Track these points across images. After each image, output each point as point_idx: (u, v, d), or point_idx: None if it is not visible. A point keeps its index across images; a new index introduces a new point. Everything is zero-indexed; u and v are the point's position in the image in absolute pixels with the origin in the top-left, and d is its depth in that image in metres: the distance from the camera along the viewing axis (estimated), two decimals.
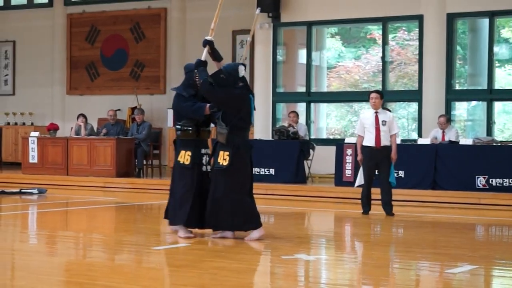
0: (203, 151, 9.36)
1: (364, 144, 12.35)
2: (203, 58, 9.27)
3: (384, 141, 12.25)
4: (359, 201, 14.57)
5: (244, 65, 9.29)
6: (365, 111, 13.10)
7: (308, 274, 7.62)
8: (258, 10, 11.56)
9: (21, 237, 10.00)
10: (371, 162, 12.29)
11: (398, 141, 15.11)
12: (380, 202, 12.46)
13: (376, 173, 12.51)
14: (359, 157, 12.47)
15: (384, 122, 12.25)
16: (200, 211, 9.26)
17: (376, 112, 12.36)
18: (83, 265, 7.83)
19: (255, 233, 9.17)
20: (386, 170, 12.32)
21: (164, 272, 7.47)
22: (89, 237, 9.93)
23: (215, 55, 9.33)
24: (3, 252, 8.42)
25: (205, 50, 9.27)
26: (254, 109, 9.31)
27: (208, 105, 9.17)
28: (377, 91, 12.60)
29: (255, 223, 9.20)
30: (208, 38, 9.36)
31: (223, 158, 9.01)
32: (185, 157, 9.26)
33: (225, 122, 9.01)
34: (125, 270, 7.41)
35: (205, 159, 9.36)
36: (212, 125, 9.53)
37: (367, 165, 12.35)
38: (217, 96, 9.07)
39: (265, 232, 9.31)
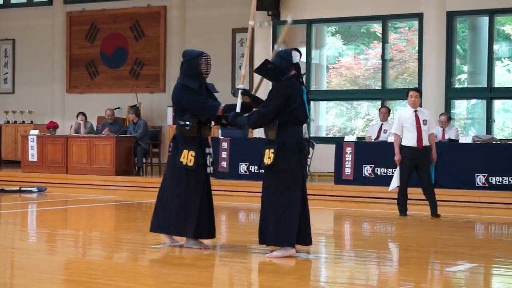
0: (206, 150, 8.39)
1: (403, 144, 12.04)
2: (238, 110, 8.17)
3: (425, 141, 11.99)
4: (359, 199, 14.55)
5: (299, 50, 8.17)
6: (403, 110, 12.73)
7: (308, 272, 7.61)
8: (290, 18, 9.05)
9: (21, 236, 10.00)
10: (411, 163, 11.98)
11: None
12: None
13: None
14: (397, 157, 12.09)
15: (425, 122, 11.96)
16: (209, 220, 8.38)
17: (415, 111, 12.08)
18: (83, 263, 7.83)
19: (279, 252, 7.94)
20: (427, 171, 12.06)
21: (164, 271, 7.46)
22: (89, 236, 9.94)
23: (254, 99, 8.35)
24: (3, 251, 8.41)
25: (239, 99, 8.21)
26: (308, 102, 8.18)
27: (223, 105, 8.27)
28: (416, 89, 12.26)
29: (288, 240, 7.92)
30: (241, 86, 8.32)
31: (268, 157, 7.96)
32: (188, 157, 8.24)
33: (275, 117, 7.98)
34: (125, 269, 7.42)
35: (208, 159, 8.39)
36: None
37: (407, 166, 12.00)
38: (267, 117, 7.98)
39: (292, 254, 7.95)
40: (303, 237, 8.00)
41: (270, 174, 7.99)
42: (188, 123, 8.28)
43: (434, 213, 12.05)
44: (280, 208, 7.86)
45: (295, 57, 8.08)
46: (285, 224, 7.83)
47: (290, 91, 7.98)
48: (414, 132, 11.95)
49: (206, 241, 8.51)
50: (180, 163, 8.28)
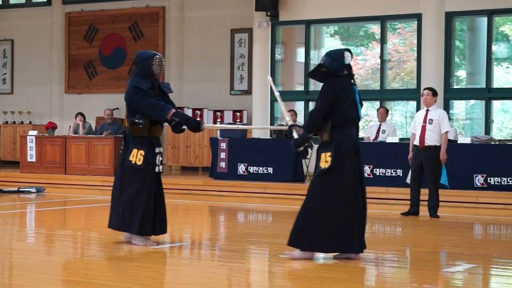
0: (157, 150, 8.58)
1: (414, 143, 12.08)
2: (296, 136, 8.22)
3: (429, 141, 11.89)
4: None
5: (350, 51, 8.01)
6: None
7: (306, 273, 7.61)
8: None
9: (19, 236, 9.99)
10: (416, 162, 12.00)
11: (395, 140, 15.14)
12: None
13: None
14: (409, 156, 12.16)
15: (430, 121, 11.88)
16: (154, 217, 8.48)
17: (427, 110, 12.05)
18: (81, 263, 7.82)
19: (301, 254, 7.78)
20: (430, 172, 11.95)
21: (162, 271, 7.46)
22: (87, 236, 9.93)
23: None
24: (1, 251, 8.41)
25: (295, 133, 8.18)
26: (360, 102, 7.97)
27: (173, 111, 8.44)
28: (429, 88, 12.23)
29: (324, 248, 7.74)
30: (290, 123, 8.31)
31: (325, 160, 7.72)
32: (137, 156, 8.46)
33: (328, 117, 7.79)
34: (123, 269, 7.41)
35: (158, 158, 8.60)
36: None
37: (413, 164, 12.06)
38: (319, 117, 7.82)
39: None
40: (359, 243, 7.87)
41: (325, 179, 7.69)
42: (140, 121, 8.48)
43: (433, 214, 12.05)
44: (327, 214, 7.64)
45: (347, 58, 7.92)
46: (331, 231, 7.63)
47: (340, 88, 7.79)
48: (419, 131, 11.96)
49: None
50: (129, 161, 8.51)
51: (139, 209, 8.43)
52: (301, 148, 8.08)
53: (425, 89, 12.31)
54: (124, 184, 8.57)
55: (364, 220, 7.93)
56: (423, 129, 11.94)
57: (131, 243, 8.60)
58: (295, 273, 7.45)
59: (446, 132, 12.03)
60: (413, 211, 12.10)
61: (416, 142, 12.02)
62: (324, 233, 7.65)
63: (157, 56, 8.58)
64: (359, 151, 7.82)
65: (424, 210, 12.31)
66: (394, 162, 14.79)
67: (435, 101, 12.17)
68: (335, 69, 7.85)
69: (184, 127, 8.67)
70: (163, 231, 8.68)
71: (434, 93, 12.14)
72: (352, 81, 7.98)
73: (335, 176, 7.66)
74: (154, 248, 8.42)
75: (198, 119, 9.68)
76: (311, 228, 7.69)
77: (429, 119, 11.95)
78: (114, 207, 8.64)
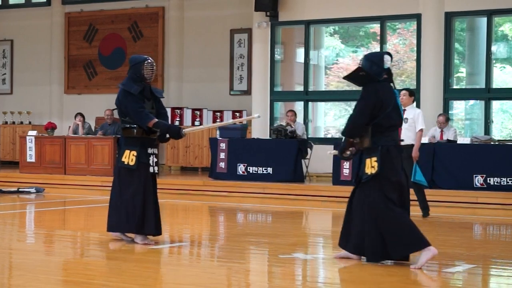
0: (149, 150, 8.62)
1: None
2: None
3: (405, 140, 11.70)
4: None
5: (390, 54, 7.87)
6: None
7: (306, 273, 7.62)
8: (256, 115, 9.76)
9: (19, 236, 9.99)
10: None
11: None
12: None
13: None
14: None
15: (406, 120, 11.83)
16: (154, 217, 8.55)
17: (404, 110, 12.11)
18: (81, 264, 7.82)
19: (423, 257, 7.53)
20: (408, 170, 11.75)
21: (162, 271, 7.47)
22: (87, 236, 9.93)
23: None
24: (1, 251, 8.41)
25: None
26: (399, 106, 7.84)
27: (155, 120, 8.53)
28: (406, 89, 12.35)
29: (419, 244, 7.61)
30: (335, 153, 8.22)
31: (371, 166, 7.60)
32: (129, 157, 8.55)
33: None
34: (123, 269, 7.41)
35: (152, 159, 8.62)
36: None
37: None
38: (360, 121, 7.69)
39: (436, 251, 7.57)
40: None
41: (373, 185, 7.59)
42: (130, 125, 8.68)
43: (424, 214, 12.03)
44: (395, 217, 7.59)
45: (387, 62, 7.78)
46: (407, 231, 7.62)
47: (382, 93, 7.68)
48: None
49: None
50: (122, 162, 8.63)
51: (138, 208, 8.49)
52: (348, 153, 7.92)
53: (402, 89, 12.40)
54: (122, 186, 8.64)
55: None
56: (399, 128, 11.99)
57: (130, 243, 8.61)
58: (294, 274, 7.46)
59: (421, 130, 12.01)
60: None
61: None
62: (405, 233, 7.63)
63: (149, 61, 8.68)
64: (402, 153, 7.83)
65: (416, 210, 12.31)
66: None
67: (413, 101, 12.22)
68: (374, 73, 7.70)
69: (168, 135, 8.77)
70: (160, 232, 8.74)
71: (411, 93, 12.25)
72: (392, 84, 7.87)
73: (385, 180, 7.57)
74: (154, 248, 8.43)
75: (178, 124, 9.68)
76: (389, 236, 7.61)
77: (404, 118, 12.00)
78: (114, 210, 8.69)
